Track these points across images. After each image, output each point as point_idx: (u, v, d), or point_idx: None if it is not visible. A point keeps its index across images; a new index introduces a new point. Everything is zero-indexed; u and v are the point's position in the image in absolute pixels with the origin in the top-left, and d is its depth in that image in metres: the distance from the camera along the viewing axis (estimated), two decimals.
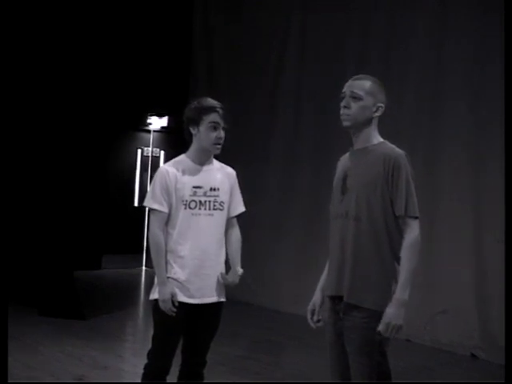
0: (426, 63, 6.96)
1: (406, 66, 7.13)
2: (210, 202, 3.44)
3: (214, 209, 3.45)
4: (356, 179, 2.98)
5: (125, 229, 11.53)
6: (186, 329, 3.48)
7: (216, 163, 3.58)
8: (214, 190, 3.46)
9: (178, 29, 10.68)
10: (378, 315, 2.84)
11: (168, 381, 3.55)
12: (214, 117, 3.42)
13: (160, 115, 12.06)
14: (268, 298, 8.10)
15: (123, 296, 8.87)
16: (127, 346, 6.37)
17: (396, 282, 2.88)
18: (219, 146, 3.46)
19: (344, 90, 3.02)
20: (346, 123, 2.99)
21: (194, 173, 3.45)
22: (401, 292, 2.83)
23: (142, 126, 12.29)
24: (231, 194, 3.56)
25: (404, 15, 7.22)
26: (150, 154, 12.42)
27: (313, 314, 3.19)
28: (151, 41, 10.99)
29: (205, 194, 3.44)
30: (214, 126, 3.42)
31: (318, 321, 3.19)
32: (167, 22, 10.91)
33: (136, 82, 11.04)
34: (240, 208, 3.62)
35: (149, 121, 12.15)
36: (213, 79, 9.51)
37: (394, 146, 3.00)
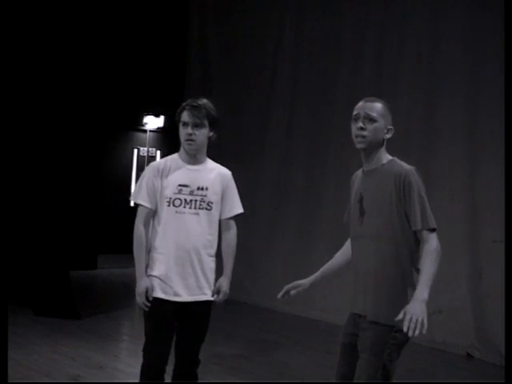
0: (421, 62, 6.97)
1: (401, 66, 7.15)
2: (196, 201, 3.45)
3: (200, 208, 3.45)
4: (371, 201, 3.05)
5: (120, 229, 11.48)
6: (177, 328, 3.50)
7: (210, 163, 3.59)
8: (202, 189, 3.47)
9: (173, 29, 10.69)
10: (397, 328, 2.88)
11: (165, 381, 3.55)
12: (183, 115, 3.46)
13: (156, 115, 12.06)
14: (263, 298, 8.09)
15: (118, 296, 8.86)
16: (122, 346, 6.37)
17: (414, 290, 2.90)
18: (191, 143, 3.45)
19: (357, 112, 3.04)
20: (360, 145, 3.03)
21: (181, 171, 3.48)
22: (421, 292, 2.84)
23: (138, 126, 12.29)
24: (224, 195, 3.55)
25: (400, 15, 7.23)
26: (146, 154, 12.42)
27: (293, 287, 3.30)
28: (147, 41, 11.00)
29: (191, 193, 3.45)
30: (184, 124, 3.45)
31: (286, 295, 3.31)
32: (163, 23, 10.92)
33: (132, 82, 11.05)
34: (236, 209, 3.60)
35: (145, 120, 12.15)
36: (208, 79, 9.52)
37: (403, 162, 3.05)
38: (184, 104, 3.49)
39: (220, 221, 3.56)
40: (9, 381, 4.44)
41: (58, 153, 7.65)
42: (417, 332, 2.76)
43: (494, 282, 5.88)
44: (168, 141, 12.15)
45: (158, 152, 12.58)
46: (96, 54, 9.31)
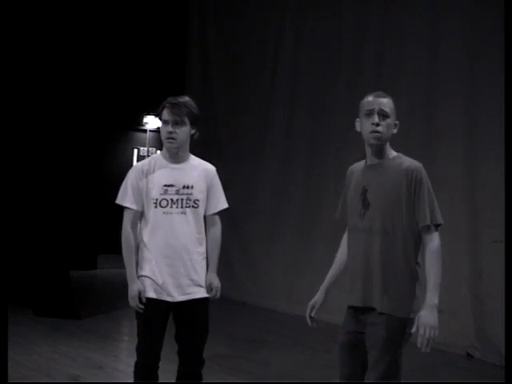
0: (420, 63, 6.97)
1: (401, 66, 7.15)
2: (182, 199, 3.43)
3: (187, 206, 3.43)
4: (379, 194, 3.04)
5: (120, 229, 11.49)
6: (177, 330, 3.50)
7: (194, 160, 3.57)
8: (188, 187, 3.44)
9: (173, 29, 10.68)
10: (406, 322, 2.95)
11: (167, 380, 3.55)
12: (163, 113, 3.47)
13: (156, 115, 12.05)
14: (263, 298, 8.10)
15: (118, 296, 8.82)
16: (122, 346, 6.37)
17: (419, 284, 2.99)
18: (171, 141, 3.43)
19: (372, 108, 3.03)
20: (376, 141, 3.04)
21: (166, 171, 3.46)
22: (431, 297, 2.92)
23: (138, 126, 12.29)
24: (210, 192, 3.53)
25: (400, 15, 7.23)
26: (146, 154, 12.42)
27: (312, 310, 3.26)
28: (147, 41, 10.99)
29: (177, 192, 3.43)
30: (164, 122, 3.45)
31: (313, 320, 3.25)
32: (163, 23, 10.91)
33: (132, 82, 11.04)
34: (221, 205, 3.59)
35: (145, 120, 12.15)
36: (208, 79, 9.52)
37: (410, 158, 3.08)
38: (164, 102, 3.48)
39: (205, 217, 3.55)
40: (9, 381, 4.44)
41: (58, 153, 7.65)
42: (428, 349, 2.86)
43: (494, 282, 5.88)
44: None
45: (158, 152, 12.57)
46: (96, 55, 9.31)
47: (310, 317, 3.26)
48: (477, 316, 6.31)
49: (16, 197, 7.14)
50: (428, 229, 2.97)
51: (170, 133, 3.41)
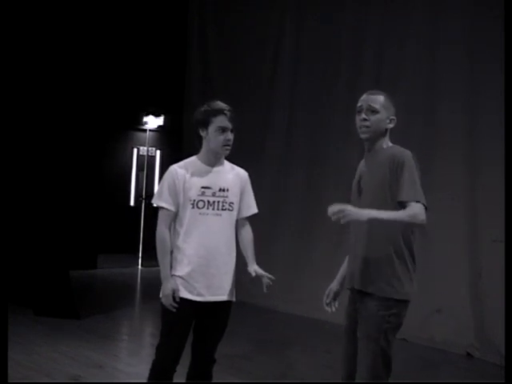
0: (420, 63, 6.97)
1: (401, 66, 7.15)
2: (218, 202, 3.49)
3: (223, 209, 3.50)
4: (368, 180, 3.20)
5: (120, 228, 11.51)
6: (195, 327, 3.53)
7: (227, 164, 3.63)
8: (223, 190, 3.51)
9: (173, 29, 10.69)
10: (388, 303, 3.04)
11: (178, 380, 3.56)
12: (221, 119, 3.46)
13: (156, 114, 12.06)
14: (263, 298, 8.07)
15: (118, 296, 8.86)
16: (122, 346, 6.36)
17: (406, 266, 3.08)
18: (228, 148, 3.49)
19: (360, 104, 3.21)
20: (364, 135, 3.20)
21: (203, 173, 3.50)
22: (374, 211, 2.97)
23: (138, 126, 12.29)
24: (242, 196, 3.63)
25: (400, 15, 7.24)
26: (145, 153, 12.42)
27: (327, 297, 3.40)
28: (147, 41, 11.00)
29: (213, 195, 3.48)
30: (222, 129, 3.45)
31: (329, 304, 3.38)
32: (163, 22, 10.92)
33: (132, 81, 11.05)
34: (252, 209, 3.71)
35: (145, 120, 12.15)
36: (208, 79, 9.52)
37: (402, 148, 3.18)
38: (219, 108, 3.49)
39: (236, 220, 3.62)
40: (9, 381, 4.44)
41: (58, 153, 7.65)
42: (334, 217, 2.90)
43: (494, 282, 5.88)
44: (168, 140, 12.16)
45: (158, 152, 12.57)
46: (96, 54, 9.32)
47: (330, 304, 3.38)
48: (477, 316, 6.32)
49: (16, 197, 7.15)
50: (408, 205, 3.00)
51: (229, 140, 3.47)
